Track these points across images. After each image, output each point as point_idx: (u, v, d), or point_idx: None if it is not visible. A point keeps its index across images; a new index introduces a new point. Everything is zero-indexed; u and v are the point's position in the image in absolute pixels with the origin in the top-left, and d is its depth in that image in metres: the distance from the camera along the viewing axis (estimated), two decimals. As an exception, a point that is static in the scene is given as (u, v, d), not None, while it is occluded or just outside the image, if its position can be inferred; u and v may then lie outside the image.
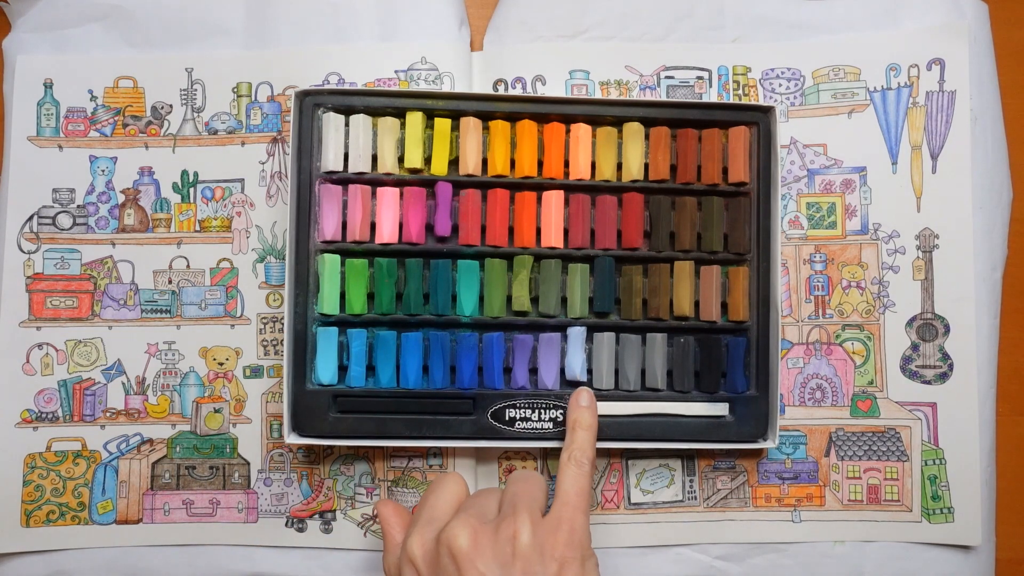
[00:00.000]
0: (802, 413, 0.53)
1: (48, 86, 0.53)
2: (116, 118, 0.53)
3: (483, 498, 0.45)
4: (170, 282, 0.53)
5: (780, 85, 0.54)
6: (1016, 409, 0.54)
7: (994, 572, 0.53)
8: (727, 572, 0.52)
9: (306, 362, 0.49)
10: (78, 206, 0.53)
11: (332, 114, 0.50)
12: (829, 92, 0.54)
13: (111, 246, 0.53)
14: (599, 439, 0.49)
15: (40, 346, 0.52)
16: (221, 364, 0.52)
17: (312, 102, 0.49)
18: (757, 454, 0.53)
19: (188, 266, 0.53)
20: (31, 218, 0.53)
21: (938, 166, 0.53)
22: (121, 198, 0.53)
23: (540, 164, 0.51)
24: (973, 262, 0.52)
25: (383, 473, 0.52)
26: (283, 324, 0.51)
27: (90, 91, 0.53)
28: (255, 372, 0.52)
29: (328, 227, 0.49)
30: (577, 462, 0.45)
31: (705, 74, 0.54)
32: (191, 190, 0.53)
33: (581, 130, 0.50)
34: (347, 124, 0.50)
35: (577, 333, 0.50)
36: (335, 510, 0.52)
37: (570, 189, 0.50)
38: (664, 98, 0.53)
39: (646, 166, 0.51)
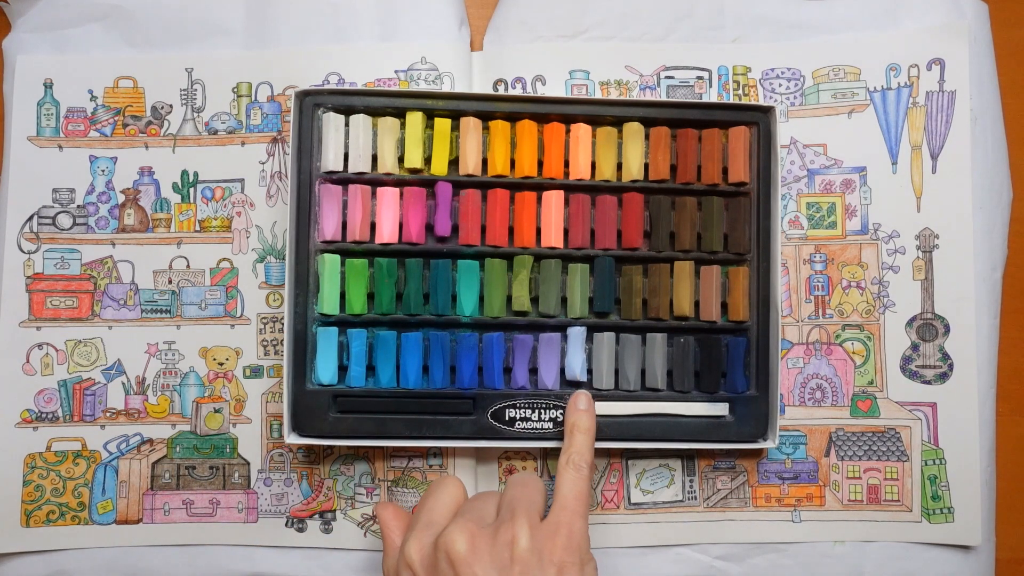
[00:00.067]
0: (802, 413, 0.53)
1: (48, 86, 0.53)
2: (116, 118, 0.53)
3: (481, 502, 0.44)
4: (170, 282, 0.53)
5: (780, 85, 0.54)
6: (1016, 409, 0.54)
7: (994, 572, 0.53)
8: (727, 572, 0.52)
9: (306, 362, 0.49)
10: (78, 206, 0.53)
11: (332, 114, 0.50)
12: (829, 92, 0.54)
13: (111, 246, 0.53)
14: (599, 439, 0.49)
15: (40, 346, 0.52)
16: (221, 364, 0.52)
17: (312, 102, 0.49)
18: (757, 454, 0.53)
19: (188, 266, 0.53)
20: (31, 218, 0.53)
21: (938, 166, 0.53)
22: (121, 198, 0.53)
23: (540, 164, 0.51)
24: (973, 262, 0.52)
25: (383, 473, 0.52)
26: (283, 324, 0.51)
27: (90, 91, 0.53)
28: (255, 372, 0.52)
29: (328, 227, 0.49)
30: (575, 466, 0.45)
31: (705, 74, 0.54)
32: (191, 190, 0.53)
33: (581, 130, 0.50)
34: (347, 124, 0.50)
35: (577, 333, 0.50)
36: (335, 510, 0.52)
37: (570, 189, 0.50)
38: (664, 98, 0.53)
39: (646, 166, 0.51)
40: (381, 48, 0.53)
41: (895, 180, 0.53)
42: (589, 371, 0.50)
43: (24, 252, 0.52)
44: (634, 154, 0.50)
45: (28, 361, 0.52)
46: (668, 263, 0.50)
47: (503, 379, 0.50)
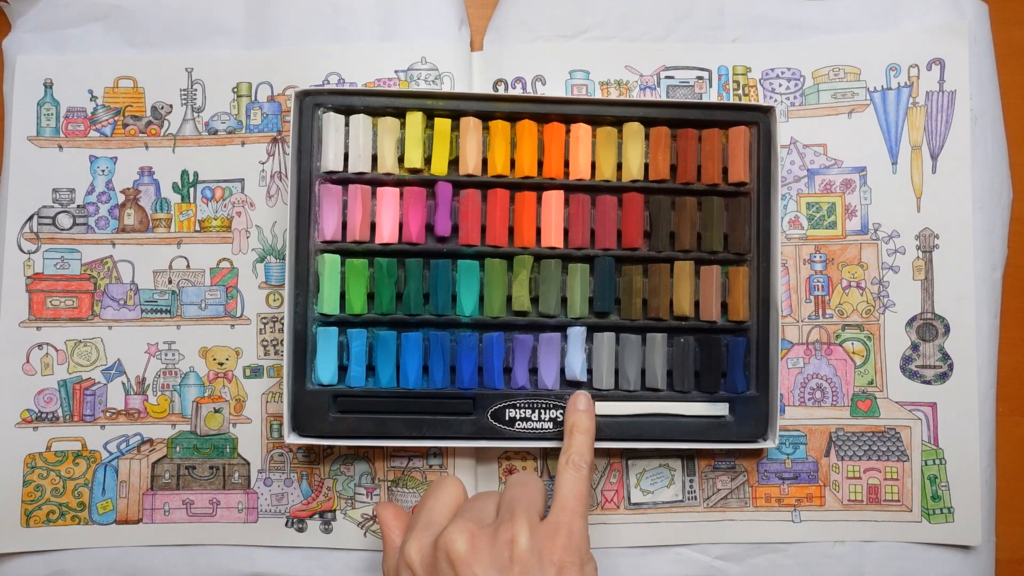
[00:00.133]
0: (802, 413, 0.53)
1: (48, 86, 0.53)
2: (116, 118, 0.53)
3: (481, 502, 0.44)
4: (170, 282, 0.53)
5: (780, 85, 0.54)
6: (1016, 409, 0.54)
7: (994, 572, 0.53)
8: (727, 572, 0.52)
9: (306, 362, 0.49)
10: (78, 206, 0.53)
11: (332, 114, 0.50)
12: (829, 92, 0.54)
13: (111, 246, 0.53)
14: (599, 439, 0.49)
15: (40, 346, 0.52)
16: (221, 364, 0.52)
17: (312, 102, 0.49)
18: (757, 454, 0.53)
19: (188, 266, 0.53)
20: (31, 218, 0.53)
21: (938, 166, 0.53)
22: (121, 198, 0.53)
23: (540, 164, 0.51)
24: (973, 262, 0.52)
25: (383, 473, 0.52)
26: (283, 324, 0.51)
27: (90, 91, 0.53)
28: (255, 372, 0.52)
29: (328, 227, 0.49)
30: (575, 466, 0.45)
31: (705, 74, 0.54)
32: (191, 190, 0.53)
33: (581, 130, 0.50)
34: (347, 124, 0.50)
35: (577, 333, 0.50)
36: (335, 510, 0.52)
37: (570, 189, 0.50)
38: (664, 98, 0.53)
39: (646, 166, 0.51)
40: (381, 48, 0.53)
41: (895, 180, 0.53)
42: (589, 371, 0.50)
43: (24, 252, 0.52)
44: (634, 154, 0.50)
45: (28, 361, 0.52)
46: (668, 263, 0.50)
47: (503, 379, 0.50)
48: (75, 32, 0.53)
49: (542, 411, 0.50)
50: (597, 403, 0.49)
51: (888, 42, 0.54)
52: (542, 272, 0.50)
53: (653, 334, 0.51)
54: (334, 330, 0.49)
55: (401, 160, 0.50)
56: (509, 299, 0.50)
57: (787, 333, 0.53)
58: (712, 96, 0.54)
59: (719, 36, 0.54)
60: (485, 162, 0.50)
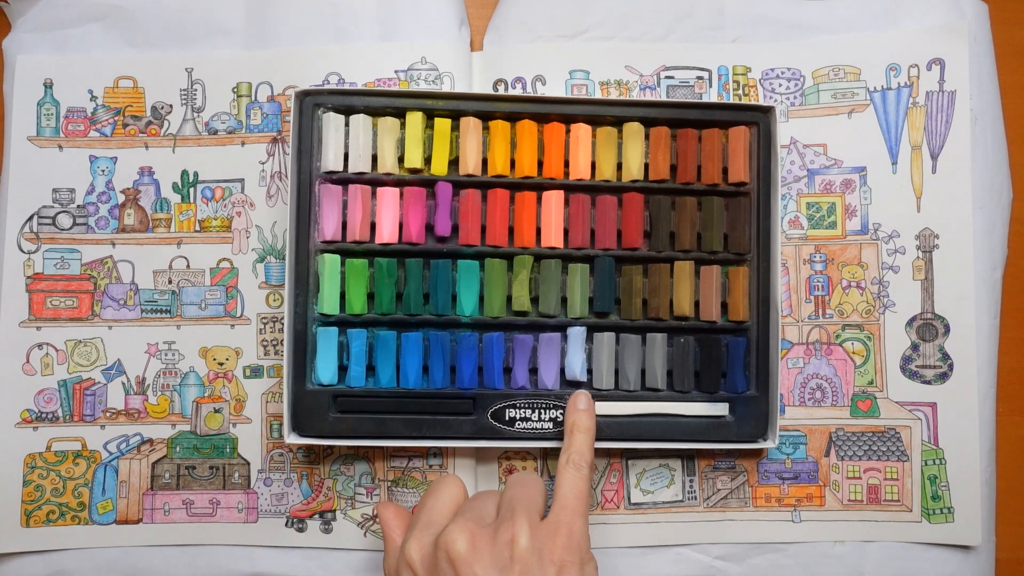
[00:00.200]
0: (802, 413, 0.53)
1: (48, 86, 0.53)
2: (116, 118, 0.53)
3: (481, 501, 0.44)
4: (170, 282, 0.53)
5: (780, 85, 0.54)
6: (1016, 409, 0.54)
7: (994, 572, 0.53)
8: (727, 572, 0.52)
9: (306, 362, 0.49)
10: (78, 206, 0.53)
11: (332, 114, 0.50)
12: (829, 92, 0.54)
13: (111, 246, 0.53)
14: (599, 439, 0.49)
15: (40, 346, 0.52)
16: (221, 364, 0.52)
17: (312, 102, 0.49)
18: (757, 454, 0.53)
19: (188, 266, 0.53)
20: (31, 218, 0.53)
21: (938, 166, 0.53)
22: (121, 198, 0.53)
23: (540, 164, 0.51)
24: (973, 262, 0.52)
25: (383, 473, 0.52)
26: (283, 324, 0.51)
27: (90, 91, 0.53)
28: (255, 372, 0.52)
29: (328, 227, 0.49)
30: (575, 465, 0.45)
31: (705, 74, 0.54)
32: (191, 190, 0.53)
33: (581, 130, 0.50)
34: (347, 124, 0.50)
35: (577, 333, 0.50)
36: (335, 510, 0.52)
37: (570, 189, 0.50)
38: (664, 98, 0.53)
39: (646, 166, 0.51)
40: (381, 48, 0.53)
41: (895, 180, 0.53)
42: (589, 371, 0.50)
43: (24, 252, 0.52)
44: (634, 154, 0.50)
45: (28, 361, 0.52)
46: (668, 263, 0.50)
47: (503, 379, 0.50)
48: (75, 32, 0.53)
49: (542, 411, 0.50)
50: (597, 403, 0.49)
51: (888, 42, 0.54)
52: (542, 272, 0.50)
53: (653, 334, 0.51)
54: (334, 330, 0.49)
55: (401, 160, 0.50)
56: (509, 299, 0.50)
57: (787, 333, 0.53)
58: (712, 96, 0.54)
59: (719, 36, 0.54)
60: (485, 162, 0.50)
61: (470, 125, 0.50)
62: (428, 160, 0.50)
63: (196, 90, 0.53)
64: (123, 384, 0.52)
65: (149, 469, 0.52)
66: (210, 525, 0.52)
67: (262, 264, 0.53)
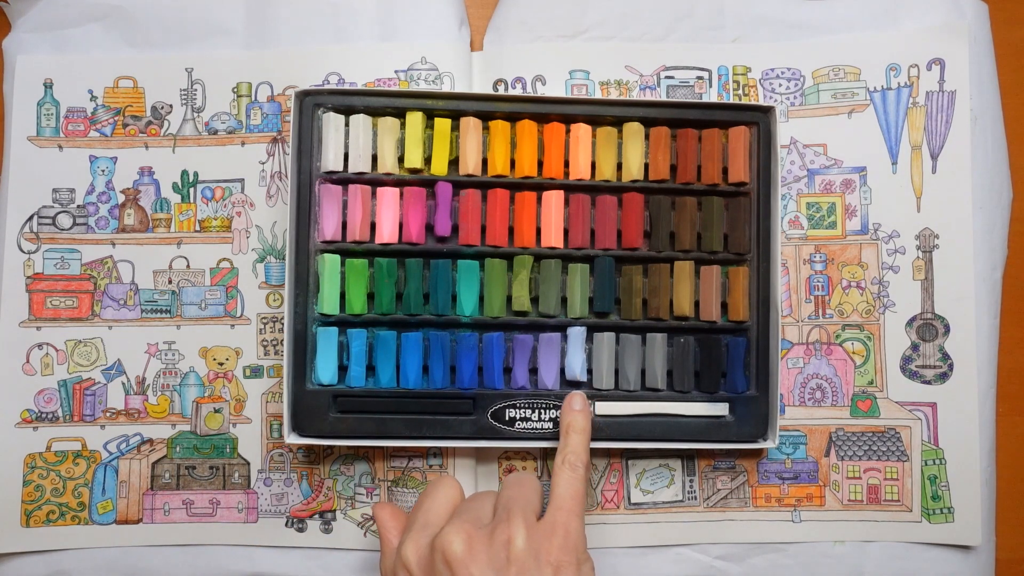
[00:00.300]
0: (802, 413, 0.53)
1: (48, 86, 0.53)
2: (116, 118, 0.53)
3: (478, 502, 0.44)
4: (170, 282, 0.53)
5: (780, 85, 0.54)
6: (1016, 409, 0.54)
7: (994, 572, 0.53)
8: (727, 572, 0.52)
9: (306, 362, 0.49)
10: (78, 206, 0.53)
11: (332, 114, 0.50)
12: (829, 92, 0.54)
13: (111, 246, 0.53)
14: (599, 439, 0.49)
15: (40, 346, 0.52)
16: (221, 364, 0.52)
17: (312, 102, 0.49)
18: (757, 454, 0.53)
19: (188, 266, 0.53)
20: (31, 218, 0.53)
21: (938, 166, 0.53)
22: (121, 198, 0.53)
23: (540, 164, 0.51)
24: (973, 262, 0.52)
25: (383, 473, 0.52)
26: (283, 324, 0.51)
27: (90, 91, 0.53)
28: (255, 372, 0.52)
29: (328, 227, 0.49)
30: (571, 465, 0.45)
31: (705, 74, 0.54)
32: (191, 190, 0.53)
33: (581, 130, 0.50)
34: (347, 124, 0.50)
35: (577, 333, 0.50)
36: (335, 510, 0.52)
37: (570, 189, 0.50)
38: (664, 98, 0.53)
39: (646, 166, 0.51)
40: (381, 48, 0.53)
41: (895, 180, 0.53)
42: (589, 371, 0.50)
43: (24, 252, 0.52)
44: (634, 154, 0.50)
45: (28, 361, 0.52)
46: (668, 263, 0.50)
47: (503, 379, 0.50)
48: (75, 32, 0.53)
49: (542, 411, 0.50)
50: (597, 403, 0.49)
51: (888, 42, 0.54)
52: (542, 272, 0.50)
53: (653, 334, 0.51)
54: (334, 330, 0.49)
55: (401, 160, 0.50)
56: (509, 299, 0.50)
57: (787, 333, 0.53)
58: (712, 96, 0.54)
59: (719, 36, 0.54)
60: (485, 162, 0.50)
61: (470, 125, 0.50)
62: (428, 160, 0.50)
63: (196, 90, 0.53)
64: (123, 384, 0.52)
65: (149, 469, 0.52)
66: (210, 525, 0.52)
67: (262, 264, 0.53)
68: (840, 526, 0.52)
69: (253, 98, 0.53)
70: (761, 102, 0.53)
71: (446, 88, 0.53)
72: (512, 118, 0.50)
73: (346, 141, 0.50)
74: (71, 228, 0.53)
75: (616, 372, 0.50)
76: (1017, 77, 0.55)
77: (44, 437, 0.52)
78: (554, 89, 0.53)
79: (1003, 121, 0.54)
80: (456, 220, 0.50)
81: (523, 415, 0.50)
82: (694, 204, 0.50)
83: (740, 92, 0.54)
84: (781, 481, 0.53)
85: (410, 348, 0.49)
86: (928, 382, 0.53)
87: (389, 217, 0.49)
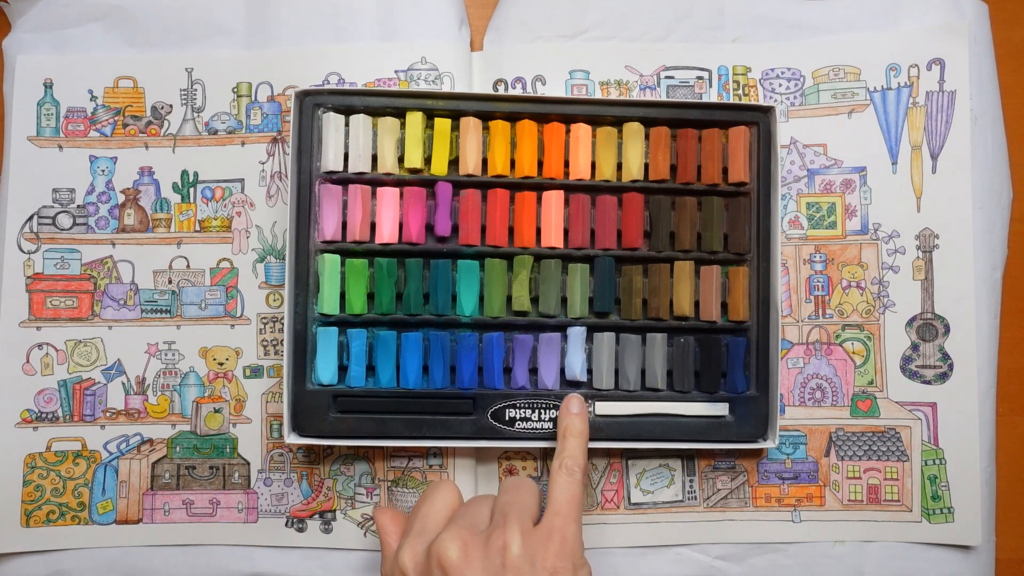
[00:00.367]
0: (802, 413, 0.53)
1: (48, 86, 0.53)
2: (116, 118, 0.53)
3: (475, 507, 0.44)
4: (170, 282, 0.53)
5: (780, 85, 0.54)
6: (1016, 409, 0.54)
7: (994, 572, 0.53)
8: (727, 572, 0.52)
9: (306, 362, 0.49)
10: (78, 206, 0.53)
11: (332, 114, 0.50)
12: (829, 92, 0.54)
13: (111, 246, 0.53)
14: (599, 439, 0.49)
15: (40, 346, 0.52)
16: (221, 364, 0.52)
17: (312, 102, 0.49)
18: (757, 454, 0.53)
19: (188, 266, 0.53)
20: (31, 218, 0.53)
21: (938, 166, 0.53)
22: (121, 198, 0.53)
23: (540, 164, 0.51)
24: (973, 262, 0.52)
25: (383, 473, 0.52)
26: (283, 324, 0.51)
27: (90, 91, 0.53)
28: (255, 372, 0.52)
29: (328, 227, 0.49)
30: (568, 470, 0.45)
31: (705, 74, 0.54)
32: (191, 190, 0.53)
33: (581, 130, 0.50)
34: (347, 124, 0.50)
35: (577, 333, 0.50)
36: (335, 510, 0.52)
37: (570, 189, 0.50)
38: (664, 98, 0.53)
39: (646, 166, 0.51)
40: (381, 48, 0.53)
41: (895, 180, 0.53)
42: (589, 371, 0.50)
43: (24, 252, 0.52)
44: (634, 154, 0.50)
45: (28, 361, 0.52)
46: (668, 263, 0.50)
47: (503, 379, 0.50)
48: (75, 32, 0.53)
49: (542, 411, 0.50)
50: (597, 403, 0.49)
51: (888, 42, 0.54)
52: (542, 272, 0.50)
53: (653, 334, 0.51)
54: (334, 330, 0.49)
55: (401, 160, 0.50)
56: (509, 299, 0.50)
57: (787, 333, 0.53)
58: (712, 96, 0.54)
59: (719, 36, 0.54)
60: (485, 162, 0.50)
61: (470, 125, 0.50)
62: (428, 160, 0.50)
63: (196, 90, 0.53)
64: (123, 384, 0.52)
65: (149, 469, 0.52)
66: (210, 525, 0.52)
67: (262, 264, 0.53)
68: (840, 526, 0.52)
69: (253, 98, 0.53)
70: (761, 102, 0.53)
71: (446, 88, 0.53)
72: (512, 118, 0.50)
73: (346, 141, 0.50)
74: (71, 228, 0.53)
75: (616, 372, 0.50)
76: (1017, 77, 0.55)
77: (44, 437, 0.52)
78: (554, 89, 0.53)
79: (1003, 121, 0.54)
80: (456, 220, 0.50)
81: (523, 415, 0.50)
82: (694, 204, 0.50)
83: (740, 92, 0.54)
84: (781, 481, 0.53)
85: (410, 348, 0.49)
86: (928, 382, 0.53)
87: (389, 217, 0.49)
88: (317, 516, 0.52)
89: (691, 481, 0.53)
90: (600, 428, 0.49)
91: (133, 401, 0.52)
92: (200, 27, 0.53)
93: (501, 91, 0.53)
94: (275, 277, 0.53)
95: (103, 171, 0.53)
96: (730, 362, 0.50)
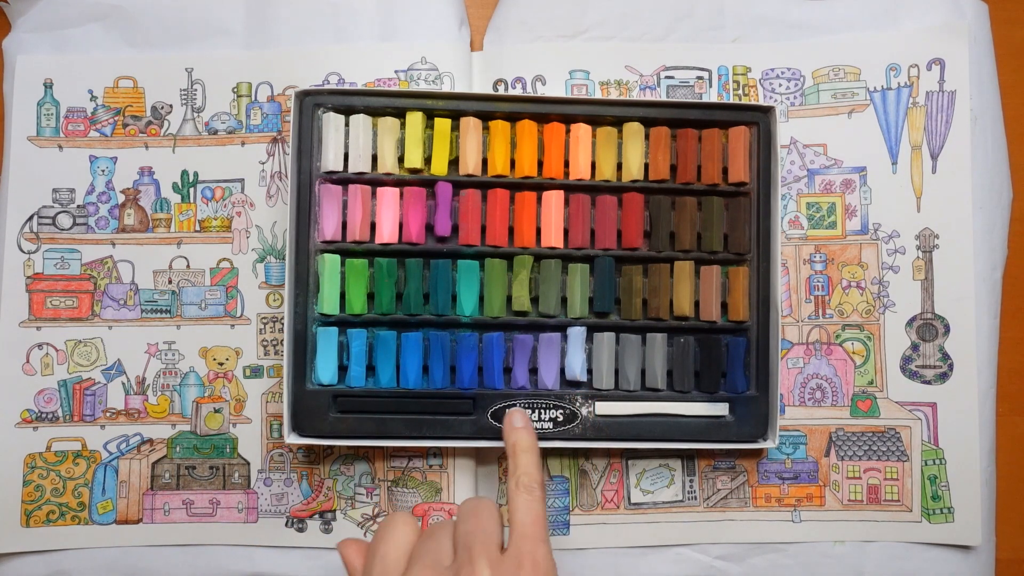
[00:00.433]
0: (802, 413, 0.53)
1: (48, 86, 0.53)
2: (116, 118, 0.53)
3: (435, 540, 0.40)
4: (170, 282, 0.53)
5: (780, 85, 0.54)
6: (1016, 409, 0.54)
7: (994, 572, 0.53)
8: (727, 572, 0.52)
9: (306, 362, 0.49)
10: (78, 206, 0.53)
11: (332, 114, 0.50)
12: (829, 92, 0.54)
13: (111, 246, 0.53)
14: (599, 439, 0.49)
15: (40, 346, 0.52)
16: (221, 364, 0.52)
17: (312, 102, 0.49)
18: (757, 454, 0.53)
19: (188, 266, 0.53)
20: (31, 218, 0.53)
21: (938, 166, 0.53)
22: (121, 198, 0.53)
23: (540, 164, 0.51)
24: (973, 262, 0.52)
25: (383, 473, 0.52)
26: (283, 324, 0.51)
27: (90, 91, 0.53)
28: (255, 372, 0.52)
29: (328, 227, 0.49)
30: (526, 487, 0.41)
31: (705, 74, 0.54)
32: (191, 190, 0.53)
33: (581, 130, 0.50)
34: (347, 124, 0.50)
35: (577, 333, 0.50)
36: (335, 510, 0.52)
37: (570, 189, 0.50)
38: (664, 98, 0.53)
39: (646, 166, 0.51)
40: (381, 48, 0.53)
41: (895, 180, 0.53)
42: (589, 371, 0.50)
43: (24, 252, 0.52)
44: (634, 154, 0.50)
45: (28, 361, 0.52)
46: (668, 263, 0.50)
47: (503, 379, 0.50)
48: (75, 32, 0.53)
49: (542, 411, 0.50)
50: (597, 403, 0.49)
51: (888, 42, 0.54)
52: (542, 272, 0.50)
53: (653, 334, 0.51)
54: (334, 330, 0.49)
55: (401, 160, 0.50)
56: (509, 299, 0.50)
57: (787, 333, 0.53)
58: (712, 96, 0.54)
59: (719, 36, 0.54)
60: (485, 162, 0.50)
61: (470, 125, 0.50)
62: (428, 160, 0.50)
63: (196, 90, 0.53)
64: (123, 384, 0.52)
65: (149, 469, 0.52)
66: (210, 525, 0.52)
67: (262, 264, 0.53)
68: (840, 526, 0.52)
69: (253, 98, 0.53)
70: (761, 102, 0.53)
71: (446, 88, 0.53)
72: (512, 118, 0.50)
73: (346, 141, 0.50)
74: (71, 228, 0.53)
75: (616, 372, 0.50)
76: (1017, 77, 0.55)
77: (44, 437, 0.52)
78: (554, 89, 0.53)
79: (1003, 121, 0.54)
80: (456, 220, 0.50)
81: (523, 415, 0.49)
82: (694, 204, 0.50)
83: (740, 92, 0.54)
84: (781, 481, 0.53)
85: (410, 348, 0.49)
86: (928, 382, 0.53)
87: (389, 217, 0.49)
88: (317, 516, 0.52)
89: (691, 481, 0.53)
90: (600, 428, 0.49)
91: (133, 401, 0.52)
92: (200, 27, 0.53)
93: (501, 91, 0.53)
94: (275, 277, 0.53)
95: (103, 171, 0.53)
96: (730, 362, 0.50)
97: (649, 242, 0.51)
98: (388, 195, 0.50)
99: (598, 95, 0.53)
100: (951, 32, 0.53)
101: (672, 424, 0.50)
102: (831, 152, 0.53)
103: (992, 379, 0.53)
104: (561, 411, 0.49)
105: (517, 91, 0.53)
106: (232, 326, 0.52)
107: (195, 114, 0.53)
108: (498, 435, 0.49)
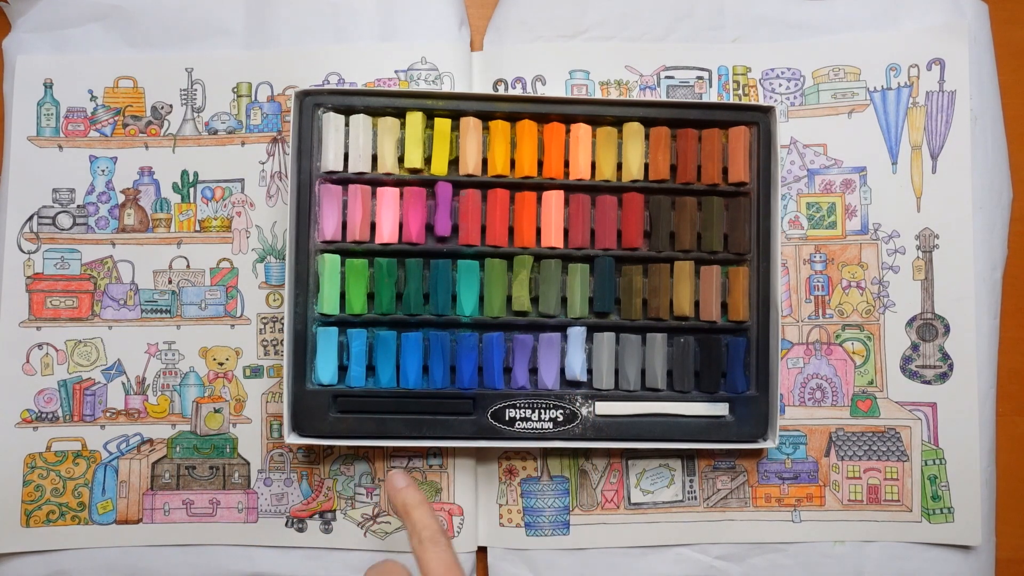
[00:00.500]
0: (802, 413, 0.53)
1: (48, 86, 0.53)
2: (116, 118, 0.53)
3: None
4: (170, 282, 0.53)
5: (780, 85, 0.54)
6: (1016, 409, 0.54)
7: (994, 572, 0.53)
8: (727, 572, 0.52)
9: (306, 362, 0.49)
10: (78, 206, 0.53)
11: (332, 114, 0.50)
12: (829, 92, 0.54)
13: (111, 246, 0.53)
14: (599, 439, 0.49)
15: (40, 346, 0.52)
16: (221, 364, 0.52)
17: (312, 102, 0.49)
18: (757, 454, 0.53)
19: (188, 266, 0.53)
20: (31, 218, 0.53)
21: (938, 166, 0.53)
22: (121, 198, 0.53)
23: (540, 164, 0.51)
24: (973, 262, 0.52)
25: (383, 473, 0.52)
26: (283, 324, 0.51)
27: (90, 91, 0.53)
28: (255, 372, 0.52)
29: (328, 227, 0.49)
30: (431, 540, 0.41)
31: (705, 74, 0.54)
32: (191, 190, 0.53)
33: (581, 130, 0.50)
34: (347, 124, 0.50)
35: (577, 333, 0.50)
36: (335, 510, 0.52)
37: (570, 189, 0.50)
38: (664, 98, 0.53)
39: (646, 166, 0.51)
40: (381, 48, 0.53)
41: (895, 180, 0.53)
42: (589, 371, 0.50)
43: (24, 252, 0.52)
44: (634, 154, 0.50)
45: (28, 361, 0.52)
46: (668, 263, 0.50)
47: (503, 379, 0.50)
48: (75, 32, 0.53)
49: (542, 411, 0.50)
50: (597, 403, 0.49)
51: (888, 42, 0.54)
52: (542, 272, 0.50)
53: (653, 334, 0.51)
54: (334, 330, 0.49)
55: (401, 160, 0.50)
56: (509, 299, 0.50)
57: (787, 333, 0.53)
58: (712, 96, 0.54)
59: (719, 36, 0.54)
60: (485, 162, 0.50)
61: (470, 125, 0.50)
62: (428, 160, 0.50)
63: (196, 90, 0.53)
64: (123, 384, 0.52)
65: (149, 469, 0.52)
66: (210, 525, 0.52)
67: (262, 264, 0.53)
68: (840, 526, 0.52)
69: (253, 98, 0.53)
70: (761, 102, 0.53)
71: (446, 88, 0.53)
72: (512, 118, 0.50)
73: (346, 141, 0.50)
74: (71, 228, 0.53)
75: (616, 372, 0.50)
76: (1017, 77, 0.55)
77: (44, 437, 0.52)
78: (554, 89, 0.53)
79: (1003, 121, 0.54)
80: (456, 220, 0.50)
81: (523, 415, 0.50)
82: (694, 204, 0.50)
83: (740, 92, 0.54)
84: (781, 481, 0.53)
85: (410, 348, 0.49)
86: (928, 382, 0.53)
87: (389, 217, 0.49)
88: (317, 516, 0.52)
89: (691, 481, 0.53)
90: (600, 428, 0.49)
91: (133, 401, 0.52)
92: (200, 27, 0.53)
93: (501, 91, 0.53)
94: (275, 277, 0.53)
95: (103, 171, 0.53)
96: (730, 362, 0.50)
97: (649, 242, 0.51)
98: (388, 195, 0.50)
99: (598, 95, 0.53)
100: (951, 32, 0.53)
101: (672, 424, 0.50)
102: (831, 152, 0.53)
103: (992, 379, 0.53)
104: (561, 411, 0.49)
105: (517, 91, 0.53)
106: (232, 326, 0.52)
107: (195, 114, 0.53)
108: (497, 435, 0.49)
